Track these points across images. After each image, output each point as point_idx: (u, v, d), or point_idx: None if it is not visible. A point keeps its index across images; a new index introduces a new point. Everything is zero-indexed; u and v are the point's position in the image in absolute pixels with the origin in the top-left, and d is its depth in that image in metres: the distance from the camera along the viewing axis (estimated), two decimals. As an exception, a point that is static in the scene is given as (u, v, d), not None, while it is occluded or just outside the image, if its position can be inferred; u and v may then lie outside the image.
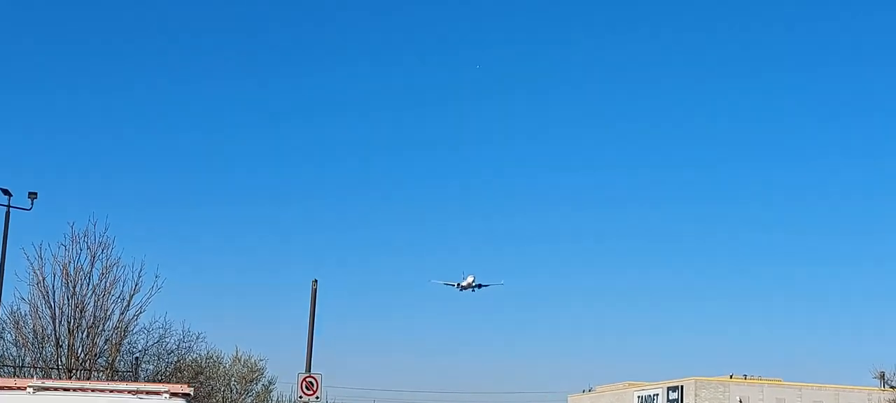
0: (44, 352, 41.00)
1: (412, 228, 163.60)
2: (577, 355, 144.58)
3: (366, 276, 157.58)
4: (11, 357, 42.72)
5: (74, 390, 15.74)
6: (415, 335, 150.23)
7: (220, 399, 61.56)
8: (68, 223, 40.89)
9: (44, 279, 40.29)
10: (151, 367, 45.27)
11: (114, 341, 41.62)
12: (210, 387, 57.25)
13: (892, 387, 75.58)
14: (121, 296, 41.30)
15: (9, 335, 42.76)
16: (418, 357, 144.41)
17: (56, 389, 15.47)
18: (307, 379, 42.99)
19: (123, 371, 43.24)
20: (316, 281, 44.83)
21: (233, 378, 65.31)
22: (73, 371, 40.75)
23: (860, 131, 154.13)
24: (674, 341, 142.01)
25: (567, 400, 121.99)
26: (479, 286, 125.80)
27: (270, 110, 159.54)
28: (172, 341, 45.98)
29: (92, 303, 40.80)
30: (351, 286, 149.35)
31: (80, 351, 40.81)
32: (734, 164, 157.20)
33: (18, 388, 14.91)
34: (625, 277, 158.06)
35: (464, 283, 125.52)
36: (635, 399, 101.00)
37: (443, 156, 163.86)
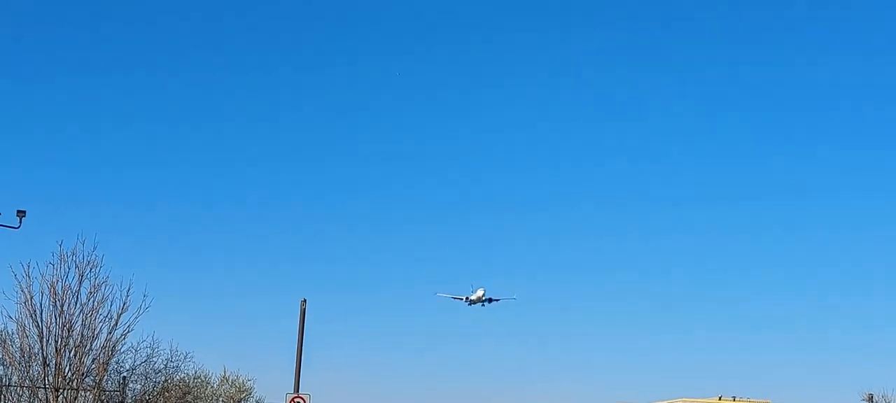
0: (31, 371, 41.57)
1: (415, 235, 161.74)
2: (564, 374, 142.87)
3: (362, 289, 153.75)
4: (-2, 376, 43.52)
5: None
6: (417, 352, 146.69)
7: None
8: (57, 241, 41.85)
9: (31, 297, 41.24)
10: (139, 387, 46.02)
11: (101, 360, 42.21)
12: (197, 408, 58.00)
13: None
14: (108, 315, 42.08)
15: (-5, 354, 43.56)
16: (418, 375, 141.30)
17: None
18: (295, 400, 43.76)
19: (111, 391, 44.00)
20: (305, 300, 45.55)
21: (220, 399, 65.75)
22: (60, 391, 41.60)
23: (855, 154, 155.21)
24: (662, 361, 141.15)
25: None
26: (490, 300, 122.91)
27: (261, 112, 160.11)
28: (160, 360, 46.64)
29: (79, 322, 41.60)
30: (346, 299, 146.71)
31: (67, 371, 41.49)
32: (725, 188, 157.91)
33: None
34: (615, 297, 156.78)
35: (473, 297, 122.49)
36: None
37: (447, 158, 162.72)
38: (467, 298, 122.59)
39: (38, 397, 41.83)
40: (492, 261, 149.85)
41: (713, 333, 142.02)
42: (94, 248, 42.00)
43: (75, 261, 41.70)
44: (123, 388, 44.85)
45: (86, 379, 42.04)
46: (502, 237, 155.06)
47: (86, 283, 41.83)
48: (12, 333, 41.86)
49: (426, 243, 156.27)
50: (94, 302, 41.84)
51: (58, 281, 41.46)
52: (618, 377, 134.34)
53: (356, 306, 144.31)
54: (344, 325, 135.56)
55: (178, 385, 51.22)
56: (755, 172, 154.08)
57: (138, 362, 45.26)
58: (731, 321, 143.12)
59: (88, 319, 41.75)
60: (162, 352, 46.54)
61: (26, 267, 41.23)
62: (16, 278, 41.25)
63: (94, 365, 42.22)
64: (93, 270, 41.94)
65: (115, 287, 42.10)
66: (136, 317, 42.42)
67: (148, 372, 46.30)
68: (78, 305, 41.63)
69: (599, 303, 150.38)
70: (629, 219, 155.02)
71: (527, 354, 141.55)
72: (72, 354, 41.53)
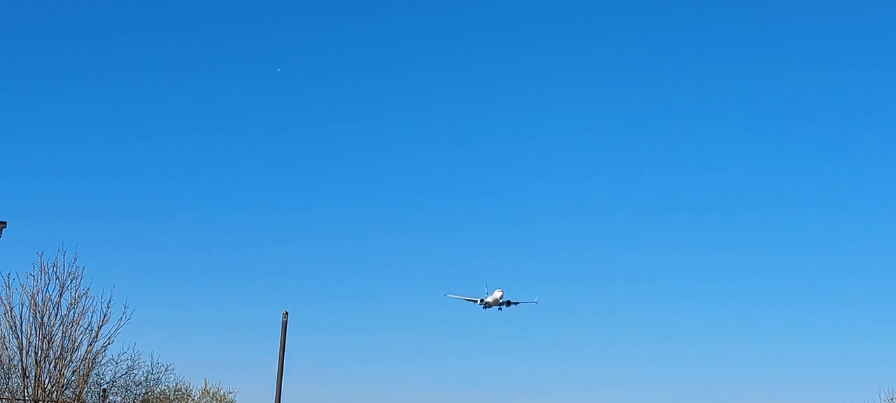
0: (10, 383, 43.78)
1: (421, 233, 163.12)
2: (586, 385, 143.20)
3: (361, 289, 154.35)
4: (-21, 388, 45.92)
5: None
6: (421, 360, 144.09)
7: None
8: (37, 253, 44.15)
9: (11, 309, 43.44)
10: (119, 399, 48.38)
11: (81, 372, 44.31)
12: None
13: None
14: (89, 327, 44.23)
15: (-25, 365, 45.53)
16: (419, 386, 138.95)
17: None
18: (276, 413, 46.10)
19: (90, 404, 46.56)
20: (286, 313, 47.19)
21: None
22: (40, 403, 44.24)
23: (854, 171, 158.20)
24: (654, 379, 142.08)
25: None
26: (508, 303, 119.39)
27: (250, 113, 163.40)
28: (141, 372, 48.96)
29: (60, 334, 43.73)
30: (342, 302, 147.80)
31: (47, 383, 43.53)
32: (746, 196, 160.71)
33: None
34: (640, 304, 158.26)
35: (489, 299, 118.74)
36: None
37: (455, 154, 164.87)
38: (482, 300, 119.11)
39: (19, 409, 44.31)
40: (510, 265, 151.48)
41: (699, 351, 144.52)
42: (75, 259, 44.25)
43: (56, 272, 43.95)
44: (104, 400, 47.26)
45: (66, 391, 44.02)
46: (520, 240, 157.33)
47: (66, 295, 44.04)
48: (-8, 345, 43.66)
49: (433, 243, 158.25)
50: (74, 313, 44.06)
51: (38, 292, 43.66)
52: (640, 388, 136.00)
53: (350, 314, 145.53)
54: (337, 335, 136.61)
55: (159, 398, 53.74)
56: (781, 179, 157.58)
57: (119, 374, 47.51)
58: (719, 339, 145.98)
59: (69, 331, 43.89)
60: (143, 364, 48.94)
61: (6, 279, 43.61)
62: (-5, 290, 43.34)
63: (74, 377, 44.31)
64: (73, 281, 44.16)
65: (96, 298, 44.34)
66: (116, 329, 44.68)
67: (128, 385, 48.59)
68: (58, 317, 43.81)
69: (624, 310, 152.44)
70: (652, 226, 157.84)
71: (547, 364, 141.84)
72: (52, 366, 43.65)
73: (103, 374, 47.07)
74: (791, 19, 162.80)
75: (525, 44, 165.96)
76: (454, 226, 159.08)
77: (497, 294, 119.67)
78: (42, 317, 43.90)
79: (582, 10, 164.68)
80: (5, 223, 44.92)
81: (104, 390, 47.22)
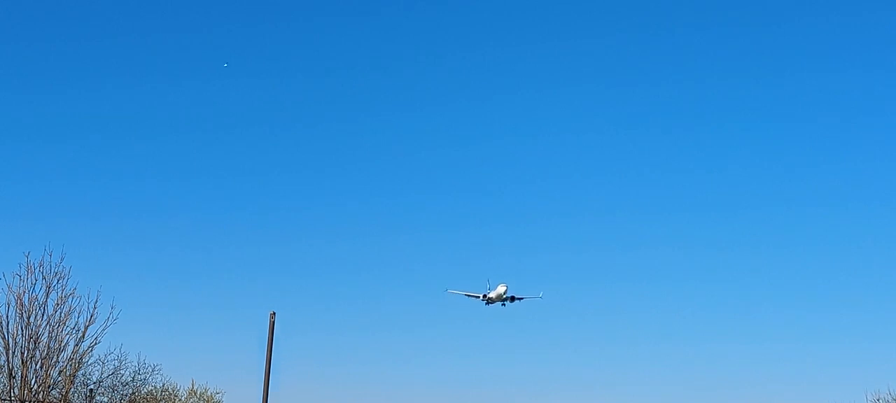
0: (-4, 383, 44.90)
1: (421, 232, 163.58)
2: (557, 387, 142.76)
3: (361, 289, 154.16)
4: (-35, 388, 46.60)
5: None
6: (419, 361, 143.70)
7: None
8: (23, 252, 44.88)
9: (-3, 309, 43.66)
10: (106, 399, 49.10)
11: (68, 372, 45.02)
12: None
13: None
14: (76, 327, 45.04)
15: (-39, 365, 46.08)
16: (421, 388, 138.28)
17: None
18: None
19: (77, 404, 47.18)
20: (273, 313, 47.53)
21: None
22: (26, 403, 44.91)
23: (854, 171, 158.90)
24: (654, 379, 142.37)
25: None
26: (512, 298, 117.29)
27: (250, 113, 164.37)
28: (128, 372, 49.76)
29: (46, 334, 44.43)
30: (342, 302, 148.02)
31: (33, 383, 44.21)
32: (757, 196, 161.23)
33: None
34: (610, 313, 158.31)
35: (492, 294, 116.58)
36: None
37: (455, 154, 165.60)
38: (485, 296, 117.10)
39: (10, 410, 44.90)
40: (510, 265, 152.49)
41: (695, 351, 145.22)
42: (62, 259, 45.06)
43: (42, 272, 44.71)
44: (90, 401, 47.96)
45: (52, 392, 44.67)
46: (520, 240, 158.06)
47: (53, 295, 44.81)
48: (-23, 345, 44.16)
49: (434, 243, 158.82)
50: (61, 313, 44.85)
51: (24, 292, 44.48)
52: (640, 388, 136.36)
53: (350, 314, 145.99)
54: (337, 335, 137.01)
55: (146, 398, 54.39)
56: (781, 179, 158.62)
57: (105, 374, 48.36)
58: (746, 329, 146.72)
59: (55, 331, 44.63)
60: (129, 364, 49.74)
61: (-8, 279, 43.48)
62: (-19, 289, 43.88)
63: (60, 378, 44.96)
64: (60, 281, 44.92)
65: (83, 298, 45.19)
66: (103, 329, 45.52)
67: (115, 385, 49.31)
68: (45, 317, 44.59)
69: (624, 310, 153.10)
70: (652, 226, 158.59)
71: (548, 364, 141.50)
72: (38, 366, 44.32)
73: (90, 374, 47.89)
74: (791, 19, 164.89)
75: (525, 44, 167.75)
76: (454, 226, 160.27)
77: (500, 289, 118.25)
78: (28, 317, 44.65)
79: (582, 10, 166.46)
80: (-8, 223, 45.53)
81: (91, 390, 47.87)
